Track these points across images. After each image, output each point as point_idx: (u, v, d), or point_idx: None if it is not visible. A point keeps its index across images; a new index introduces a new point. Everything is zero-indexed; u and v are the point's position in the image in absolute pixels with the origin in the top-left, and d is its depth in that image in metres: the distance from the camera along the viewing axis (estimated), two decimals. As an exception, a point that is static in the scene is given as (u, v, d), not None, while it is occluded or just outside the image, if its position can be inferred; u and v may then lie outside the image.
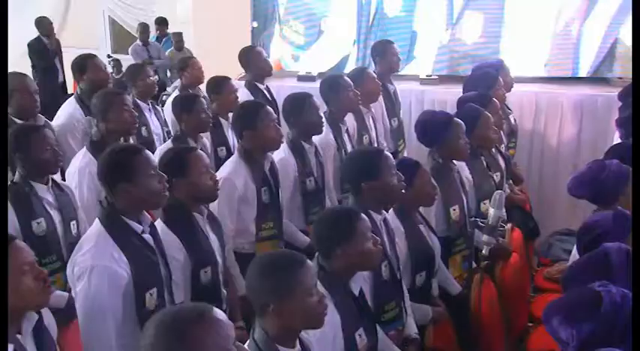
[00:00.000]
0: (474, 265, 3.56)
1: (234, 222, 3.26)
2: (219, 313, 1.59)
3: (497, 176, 3.89)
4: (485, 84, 4.46)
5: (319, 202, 3.74)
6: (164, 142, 4.78)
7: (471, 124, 3.58)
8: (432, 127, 3.41)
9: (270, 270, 1.95)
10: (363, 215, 2.42)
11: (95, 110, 3.63)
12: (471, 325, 3.32)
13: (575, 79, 5.79)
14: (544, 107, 5.38)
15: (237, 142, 4.39)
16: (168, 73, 9.24)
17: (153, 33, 10.10)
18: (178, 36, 9.52)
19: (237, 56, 5.03)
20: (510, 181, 4.46)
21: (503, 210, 2.58)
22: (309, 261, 2.00)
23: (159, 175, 2.49)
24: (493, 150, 4.01)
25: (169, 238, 2.68)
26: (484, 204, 3.70)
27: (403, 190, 2.79)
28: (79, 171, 3.40)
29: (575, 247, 3.00)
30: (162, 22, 10.16)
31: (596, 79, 5.77)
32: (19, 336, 1.95)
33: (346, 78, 4.13)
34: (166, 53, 9.56)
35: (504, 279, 3.72)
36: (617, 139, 4.40)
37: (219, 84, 4.40)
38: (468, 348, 3.38)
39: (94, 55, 4.61)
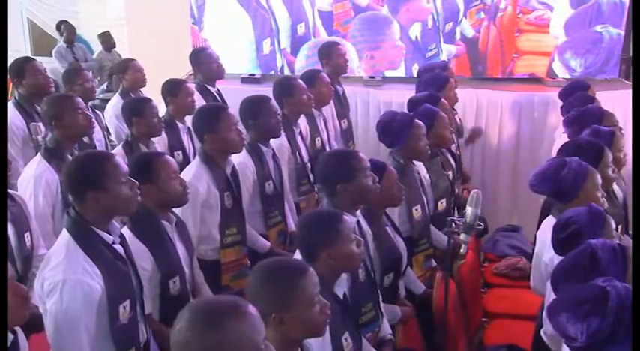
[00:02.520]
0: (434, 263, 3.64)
1: (197, 228, 3.19)
2: (254, 309, 1.58)
3: (450, 175, 3.96)
4: (437, 85, 4.53)
5: (278, 206, 3.71)
6: (107, 148, 4.67)
7: (428, 124, 3.63)
8: (394, 128, 3.43)
9: (271, 279, 1.90)
10: (346, 217, 2.42)
11: (47, 116, 3.48)
12: (435, 324, 3.37)
13: (509, 80, 5.98)
14: (484, 107, 5.51)
15: (193, 145, 4.36)
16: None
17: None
18: (106, 36, 9.23)
19: (188, 57, 4.93)
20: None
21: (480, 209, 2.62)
22: (311, 269, 1.97)
23: (130, 181, 2.40)
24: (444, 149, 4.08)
25: (136, 247, 2.61)
26: (441, 203, 3.77)
27: (377, 192, 2.80)
28: (35, 179, 3.25)
29: (537, 246, 3.09)
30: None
31: (530, 78, 5.98)
32: None
33: (300, 80, 4.11)
34: (94, 55, 9.28)
35: (462, 276, 3.80)
36: (558, 137, 4.57)
37: (175, 86, 4.30)
38: (432, 346, 3.43)
39: (32, 59, 4.42)
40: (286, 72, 5.99)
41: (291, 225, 3.84)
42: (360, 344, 2.44)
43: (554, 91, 5.36)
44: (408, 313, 3.15)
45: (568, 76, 5.84)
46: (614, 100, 5.24)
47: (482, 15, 5.88)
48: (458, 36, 5.94)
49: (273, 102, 3.73)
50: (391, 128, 3.44)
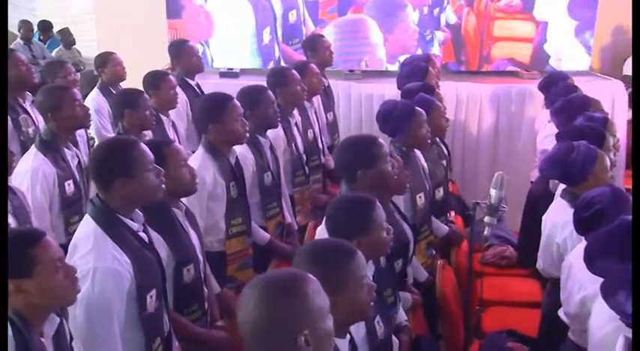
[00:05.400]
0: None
1: (203, 219, 3.13)
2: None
3: (444, 163, 4.00)
4: (418, 76, 4.57)
5: (276, 198, 3.68)
6: (88, 142, 4.56)
7: (425, 113, 3.64)
8: (396, 116, 3.44)
9: (322, 262, 1.87)
10: (379, 204, 2.40)
11: (43, 107, 3.39)
12: (438, 311, 3.40)
13: (487, 73, 6.09)
14: (464, 99, 5.59)
15: (178, 139, 4.28)
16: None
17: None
18: (65, 33, 9.03)
19: (167, 49, 4.84)
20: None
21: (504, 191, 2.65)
22: (359, 251, 1.95)
23: (156, 168, 2.36)
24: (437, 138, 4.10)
25: (151, 235, 2.54)
26: (438, 191, 3.80)
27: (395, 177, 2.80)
28: (32, 172, 3.18)
29: (547, 229, 3.13)
30: (45, 28, 9.60)
31: (504, 72, 6.09)
32: (42, 339, 1.84)
33: (294, 71, 4.08)
34: (53, 52, 9.04)
35: (459, 264, 3.84)
36: (543, 127, 4.66)
37: (158, 79, 4.21)
38: (436, 333, 3.46)
39: (12, 50, 4.28)
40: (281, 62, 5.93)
41: (288, 217, 3.82)
42: (389, 328, 2.43)
43: (531, 83, 5.51)
44: (416, 300, 3.16)
45: (587, 57, 6.02)
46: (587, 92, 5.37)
47: (462, 1, 5.97)
48: (443, 22, 6.02)
49: (270, 92, 3.69)
50: (393, 117, 3.45)
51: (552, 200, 3.32)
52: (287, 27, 5.99)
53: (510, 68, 6.10)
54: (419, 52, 5.89)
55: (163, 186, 2.39)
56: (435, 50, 5.91)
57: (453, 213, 4.21)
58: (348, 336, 1.98)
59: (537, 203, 4.02)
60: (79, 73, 8.10)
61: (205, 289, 2.82)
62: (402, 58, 5.82)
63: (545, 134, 4.39)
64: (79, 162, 3.54)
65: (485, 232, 2.68)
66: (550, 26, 5.98)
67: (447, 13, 5.99)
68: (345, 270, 1.88)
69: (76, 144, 4.06)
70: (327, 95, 4.91)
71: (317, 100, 4.71)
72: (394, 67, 5.87)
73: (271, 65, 5.93)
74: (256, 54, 6.05)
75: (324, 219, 2.46)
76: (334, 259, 1.89)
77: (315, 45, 4.89)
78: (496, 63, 6.13)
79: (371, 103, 5.45)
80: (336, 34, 5.90)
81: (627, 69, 6.88)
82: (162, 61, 5.38)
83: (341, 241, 2.01)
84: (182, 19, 6.00)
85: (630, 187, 4.47)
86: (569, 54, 6.04)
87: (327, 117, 4.84)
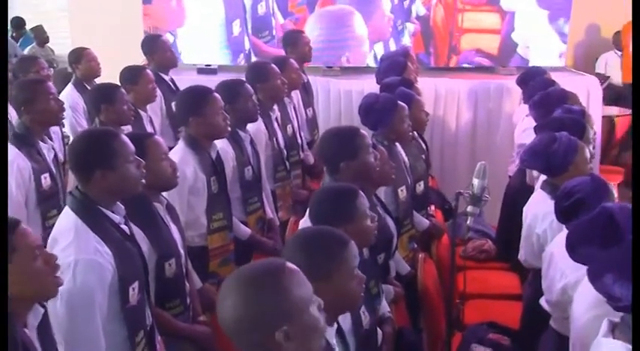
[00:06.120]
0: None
1: (184, 213, 3.09)
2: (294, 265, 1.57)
3: (424, 158, 4.02)
4: (396, 71, 4.58)
5: (257, 193, 3.65)
6: (63, 139, 4.50)
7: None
8: (378, 110, 3.44)
9: (313, 250, 1.86)
10: (362, 193, 2.40)
11: (16, 101, 3.34)
12: (420, 304, 3.41)
13: (463, 69, 6.14)
14: (442, 94, 5.62)
15: (155, 132, 4.23)
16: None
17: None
18: (39, 30, 8.91)
19: (140, 45, 4.79)
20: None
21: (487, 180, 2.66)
22: (352, 241, 1.94)
23: (137, 160, 2.33)
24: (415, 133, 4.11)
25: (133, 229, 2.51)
26: (419, 185, 3.81)
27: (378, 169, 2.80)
28: None
29: (528, 220, 3.15)
30: (18, 25, 9.47)
31: (482, 68, 6.13)
32: (26, 330, 1.79)
33: (274, 65, 4.05)
34: (26, 50, 8.91)
35: (440, 257, 3.85)
36: (520, 121, 4.70)
37: (135, 74, 4.18)
38: (418, 326, 3.46)
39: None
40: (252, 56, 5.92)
41: (269, 212, 3.80)
42: (374, 318, 2.43)
43: (508, 78, 5.57)
44: (398, 293, 3.16)
45: (562, 45, 6.06)
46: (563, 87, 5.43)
47: None
48: (414, 14, 6.03)
49: (248, 85, 3.67)
50: (375, 110, 3.45)
51: (530, 194, 3.35)
52: (256, 19, 5.95)
53: (478, 59, 6.13)
54: (391, 42, 5.90)
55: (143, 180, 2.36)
56: (406, 41, 5.93)
57: (432, 207, 4.23)
58: (336, 325, 1.97)
59: (515, 197, 4.06)
60: (52, 70, 8.03)
61: (187, 284, 2.79)
62: (377, 46, 5.87)
63: (523, 128, 4.44)
64: (55, 155, 3.49)
65: (468, 222, 2.70)
66: (518, 16, 6.02)
67: (417, 5, 6.00)
68: (339, 259, 1.87)
69: (51, 139, 4.01)
70: (307, 91, 4.90)
71: (296, 95, 4.70)
72: (372, 61, 5.90)
73: (241, 58, 5.93)
74: (226, 46, 6.00)
75: (308, 210, 2.45)
76: (328, 247, 1.88)
77: (294, 40, 4.88)
78: (464, 54, 6.15)
79: (350, 99, 5.46)
80: (320, 26, 5.89)
81: (599, 67, 7.01)
82: (136, 59, 5.32)
83: (335, 229, 1.99)
84: (152, 4, 5.98)
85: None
86: (540, 43, 6.08)
87: (306, 113, 4.83)
